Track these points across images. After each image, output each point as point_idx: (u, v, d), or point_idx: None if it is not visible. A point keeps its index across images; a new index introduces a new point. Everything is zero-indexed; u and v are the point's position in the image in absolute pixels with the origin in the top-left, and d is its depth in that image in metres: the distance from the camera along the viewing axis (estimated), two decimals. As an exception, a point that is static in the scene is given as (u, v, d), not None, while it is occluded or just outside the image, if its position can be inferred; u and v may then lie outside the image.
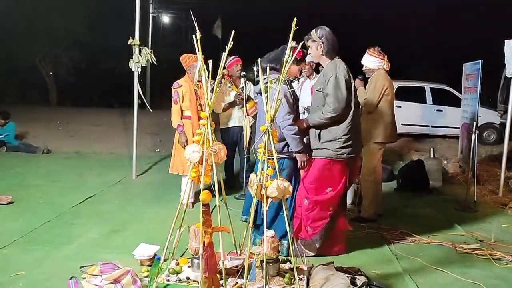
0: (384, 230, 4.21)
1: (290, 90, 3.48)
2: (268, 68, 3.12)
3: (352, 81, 3.49)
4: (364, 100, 4.49)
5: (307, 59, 5.47)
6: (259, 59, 3.09)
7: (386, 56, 4.60)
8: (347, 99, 3.39)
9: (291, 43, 2.88)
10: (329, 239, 3.54)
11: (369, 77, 4.68)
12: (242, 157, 5.49)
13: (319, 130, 3.46)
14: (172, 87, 4.80)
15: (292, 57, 2.73)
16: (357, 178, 4.52)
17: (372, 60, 4.56)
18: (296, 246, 3.35)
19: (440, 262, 3.50)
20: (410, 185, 5.97)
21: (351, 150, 3.47)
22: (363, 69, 4.70)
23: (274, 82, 2.75)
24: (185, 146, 4.33)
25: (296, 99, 3.63)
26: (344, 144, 3.43)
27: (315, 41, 3.49)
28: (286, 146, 3.50)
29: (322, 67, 3.63)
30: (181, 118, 4.78)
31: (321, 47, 3.47)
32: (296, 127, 3.44)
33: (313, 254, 3.49)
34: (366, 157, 4.55)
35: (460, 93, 7.90)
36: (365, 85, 4.69)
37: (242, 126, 5.31)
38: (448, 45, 22.71)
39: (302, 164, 3.46)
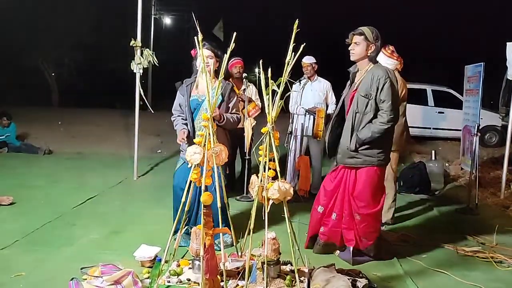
0: (385, 233, 4.20)
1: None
2: None
3: None
4: None
5: (308, 60, 5.51)
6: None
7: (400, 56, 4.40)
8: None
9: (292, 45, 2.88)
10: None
11: None
12: (244, 158, 5.49)
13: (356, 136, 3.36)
14: None
15: (293, 58, 2.73)
16: None
17: (389, 62, 4.27)
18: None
19: (442, 264, 3.49)
20: (412, 188, 5.96)
21: (387, 156, 3.48)
22: None
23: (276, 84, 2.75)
24: None
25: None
26: (386, 150, 3.43)
27: (368, 41, 3.33)
28: None
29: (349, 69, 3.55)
30: None
31: (371, 49, 3.35)
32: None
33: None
34: None
35: (462, 95, 7.89)
36: None
37: (243, 128, 5.31)
38: (449, 47, 22.71)
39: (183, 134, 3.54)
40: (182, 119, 3.73)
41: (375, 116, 3.32)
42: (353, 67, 3.56)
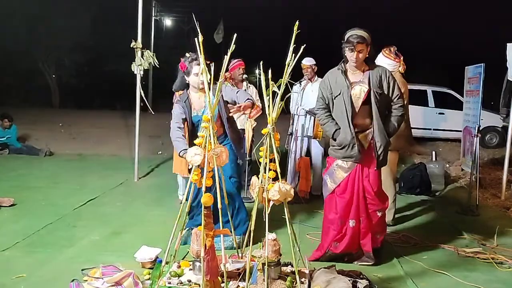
0: (386, 234, 4.20)
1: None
2: None
3: None
4: None
5: (308, 62, 5.51)
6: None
7: (402, 58, 4.37)
8: None
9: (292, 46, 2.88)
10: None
11: None
12: (244, 160, 5.49)
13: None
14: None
15: (294, 60, 2.73)
16: None
17: (387, 63, 4.19)
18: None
19: (442, 265, 3.49)
20: (412, 189, 5.96)
21: None
22: None
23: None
24: None
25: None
26: None
27: (368, 45, 3.34)
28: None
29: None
30: None
31: (369, 50, 3.39)
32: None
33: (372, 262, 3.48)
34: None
35: (462, 96, 7.90)
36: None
37: (244, 129, 5.32)
38: (450, 48, 22.72)
39: None
40: (182, 136, 3.57)
41: (389, 112, 3.46)
42: (341, 66, 3.49)
